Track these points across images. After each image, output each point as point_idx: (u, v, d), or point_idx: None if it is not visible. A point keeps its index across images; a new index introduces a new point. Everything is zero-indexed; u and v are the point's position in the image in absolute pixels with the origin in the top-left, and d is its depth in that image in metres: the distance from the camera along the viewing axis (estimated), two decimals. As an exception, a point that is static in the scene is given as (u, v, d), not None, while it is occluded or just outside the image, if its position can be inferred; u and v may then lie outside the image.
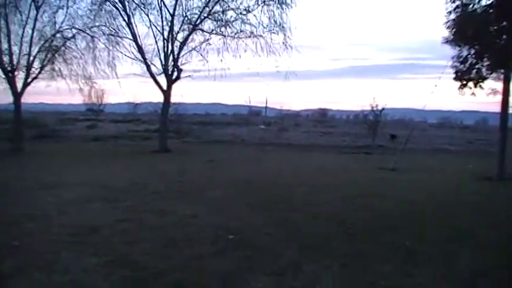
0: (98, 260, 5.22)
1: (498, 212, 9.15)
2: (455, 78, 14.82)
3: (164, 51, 21.91)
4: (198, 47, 22.17)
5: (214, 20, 21.64)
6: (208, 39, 22.01)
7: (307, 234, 6.69)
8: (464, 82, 14.69)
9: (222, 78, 22.52)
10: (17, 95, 21.03)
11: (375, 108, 31.86)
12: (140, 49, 21.66)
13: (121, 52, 22.21)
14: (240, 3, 21.28)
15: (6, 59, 20.61)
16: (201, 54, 22.21)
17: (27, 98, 26.01)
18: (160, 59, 22.08)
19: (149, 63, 21.86)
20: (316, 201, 9.52)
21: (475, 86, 14.68)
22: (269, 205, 8.83)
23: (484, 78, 14.63)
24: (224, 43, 21.60)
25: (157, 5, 21.71)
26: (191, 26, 21.65)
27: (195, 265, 5.20)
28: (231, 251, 5.79)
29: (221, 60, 21.69)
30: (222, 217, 7.68)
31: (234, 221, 7.39)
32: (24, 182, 10.90)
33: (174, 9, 21.55)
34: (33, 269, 4.90)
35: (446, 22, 14.43)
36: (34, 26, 20.89)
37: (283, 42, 21.06)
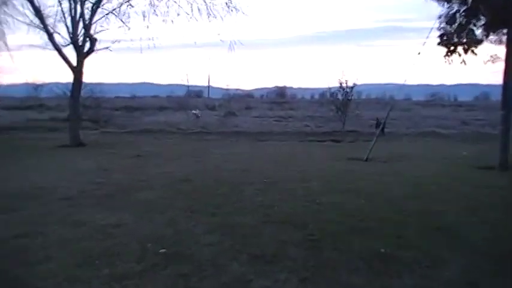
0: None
1: (497, 209, 9.39)
2: (441, 43, 14.85)
3: (71, 15, 21.10)
4: (117, 10, 21.52)
5: (137, -26, 21.19)
6: (129, 0, 21.42)
7: (259, 243, 6.81)
8: (452, 47, 14.73)
9: (151, 50, 22.20)
10: None
11: (344, 85, 32.40)
12: (38, 11, 20.66)
13: (11, 15, 21.23)
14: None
15: None
16: (121, 20, 21.60)
17: None
18: (66, 25, 21.29)
19: (51, 30, 20.97)
20: (271, 201, 9.70)
21: (466, 52, 14.71)
22: (212, 209, 8.94)
23: (478, 42, 14.72)
24: (151, 4, 21.01)
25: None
26: (106, -18, 21.10)
27: (116, 288, 5.23)
28: (163, 268, 5.84)
29: (147, 26, 21.16)
30: (153, 226, 7.75)
31: (167, 230, 7.46)
32: None
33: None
34: None
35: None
36: None
37: (226, 4, 20.72)
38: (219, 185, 11.57)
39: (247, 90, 74.35)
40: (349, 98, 32.71)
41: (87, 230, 7.48)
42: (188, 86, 63.26)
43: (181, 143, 23.60)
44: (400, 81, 21.56)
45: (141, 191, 10.67)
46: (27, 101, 44.00)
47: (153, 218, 8.27)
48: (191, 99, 52.26)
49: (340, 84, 32.51)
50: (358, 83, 33.60)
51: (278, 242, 6.88)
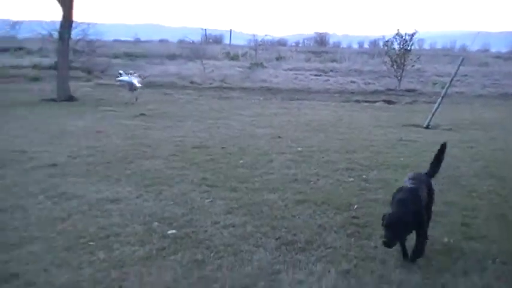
0: None
1: None
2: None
3: None
4: None
5: None
6: None
7: (291, 227, 6.87)
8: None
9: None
10: None
11: (401, 33, 31.78)
12: None
13: None
14: None
15: None
16: None
17: None
18: None
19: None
20: (306, 176, 9.80)
21: None
22: (233, 182, 9.06)
23: None
24: None
25: None
26: None
27: None
28: (172, 253, 5.93)
29: None
30: (160, 202, 7.89)
31: (177, 208, 7.57)
32: None
33: None
34: None
35: None
36: None
37: None
38: (242, 154, 11.65)
39: (278, 37, 73.42)
40: (408, 48, 31.98)
41: (78, 204, 7.58)
42: (205, 30, 62.63)
43: (196, 101, 23.61)
44: (475, 29, 21.18)
45: (145, 159, 10.79)
46: (3, 42, 43.16)
47: (160, 192, 8.33)
48: (208, 45, 51.48)
49: (398, 30, 31.81)
50: (421, 29, 32.83)
51: (314, 226, 6.92)
